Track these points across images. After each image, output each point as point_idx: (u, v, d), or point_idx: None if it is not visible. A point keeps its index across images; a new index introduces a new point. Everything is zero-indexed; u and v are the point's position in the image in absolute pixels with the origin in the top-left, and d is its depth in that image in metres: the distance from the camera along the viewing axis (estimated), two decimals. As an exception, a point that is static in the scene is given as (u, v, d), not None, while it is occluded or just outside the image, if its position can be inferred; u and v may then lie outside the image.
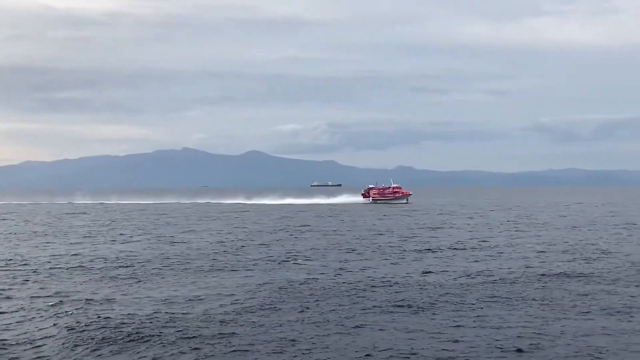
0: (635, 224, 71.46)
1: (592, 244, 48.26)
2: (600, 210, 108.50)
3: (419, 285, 29.65)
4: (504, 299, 26.01)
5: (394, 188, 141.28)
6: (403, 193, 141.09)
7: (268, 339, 19.49)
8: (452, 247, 46.32)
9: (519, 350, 18.38)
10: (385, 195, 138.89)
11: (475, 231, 62.09)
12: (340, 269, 35.17)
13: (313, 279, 31.51)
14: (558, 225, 70.12)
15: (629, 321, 22.13)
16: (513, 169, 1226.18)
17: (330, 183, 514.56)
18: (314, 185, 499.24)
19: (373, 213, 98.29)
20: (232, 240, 52.14)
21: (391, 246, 47.39)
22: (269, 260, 39.18)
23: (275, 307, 24.41)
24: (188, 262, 38.05)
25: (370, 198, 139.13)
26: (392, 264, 37.49)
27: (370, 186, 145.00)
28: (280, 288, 28.59)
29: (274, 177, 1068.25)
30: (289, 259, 39.45)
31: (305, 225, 70.67)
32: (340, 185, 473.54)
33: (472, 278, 31.71)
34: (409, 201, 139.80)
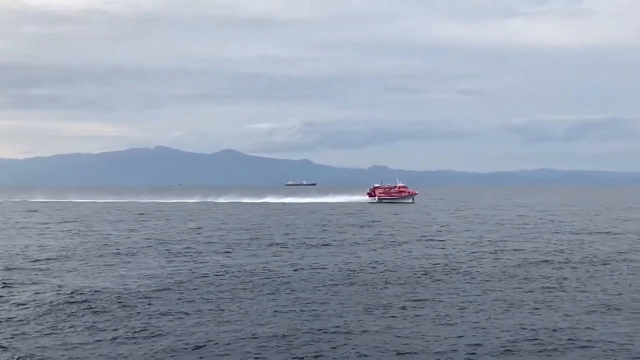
0: (563, 222, 75.30)
1: (502, 241, 51.91)
2: (538, 208, 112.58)
3: (296, 276, 32.86)
4: (350, 288, 29.38)
5: (399, 187, 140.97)
6: (409, 192, 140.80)
7: (130, 327, 22.01)
8: (358, 243, 49.69)
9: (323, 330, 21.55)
10: (391, 195, 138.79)
11: (397, 229, 65.45)
12: (232, 262, 38.27)
13: (214, 272, 34.55)
14: (486, 223, 73.60)
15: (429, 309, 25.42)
16: (487, 169, 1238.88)
17: (305, 182, 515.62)
18: (288, 185, 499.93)
19: (325, 211, 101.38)
20: (163, 237, 54.81)
21: (305, 242, 50.50)
22: (180, 254, 42.08)
23: (153, 297, 27.28)
24: (99, 256, 40.81)
25: (376, 197, 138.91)
26: (296, 258, 40.51)
27: (376, 185, 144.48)
28: (169, 280, 31.44)
29: (248, 176, 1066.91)
30: (200, 253, 42.40)
31: (243, 223, 73.63)
32: (314, 184, 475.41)
33: (339, 270, 35.14)
34: (414, 200, 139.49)
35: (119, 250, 44.05)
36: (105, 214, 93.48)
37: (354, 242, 50.40)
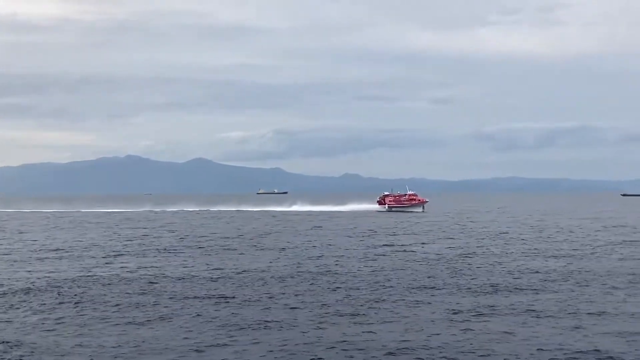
0: (472, 224, 79.96)
1: (407, 244, 56.22)
2: (465, 215, 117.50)
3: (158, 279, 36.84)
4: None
5: (410, 195, 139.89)
6: (419, 200, 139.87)
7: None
8: (262, 248, 53.75)
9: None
10: (401, 203, 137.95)
11: (309, 235, 69.61)
12: (129, 265, 42.05)
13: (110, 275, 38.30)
14: (413, 228, 77.95)
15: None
16: (458, 177, 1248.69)
17: (276, 190, 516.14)
18: (260, 193, 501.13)
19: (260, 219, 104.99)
20: (78, 244, 58.33)
21: (200, 247, 54.50)
22: (93, 258, 46.03)
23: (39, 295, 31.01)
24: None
25: (386, 205, 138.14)
26: (181, 261, 44.36)
27: (386, 193, 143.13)
28: (73, 282, 35.24)
29: (219, 185, 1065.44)
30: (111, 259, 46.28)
31: (170, 230, 77.19)
32: (286, 192, 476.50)
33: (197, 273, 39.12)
34: (425, 209, 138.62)
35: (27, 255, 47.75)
36: (46, 223, 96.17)
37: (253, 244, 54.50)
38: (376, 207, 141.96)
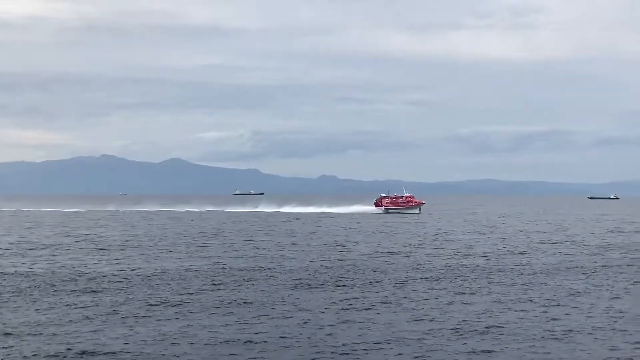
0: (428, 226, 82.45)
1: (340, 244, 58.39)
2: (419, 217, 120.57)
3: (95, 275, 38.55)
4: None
5: (406, 197, 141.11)
6: (416, 202, 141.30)
7: None
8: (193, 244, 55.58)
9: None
10: (398, 205, 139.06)
11: (258, 236, 71.68)
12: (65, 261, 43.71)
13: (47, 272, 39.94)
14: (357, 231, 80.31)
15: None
16: (433, 179, 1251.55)
17: (253, 191, 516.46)
18: (236, 194, 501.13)
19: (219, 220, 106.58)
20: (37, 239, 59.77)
21: (148, 246, 56.22)
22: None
23: None
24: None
25: (383, 207, 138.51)
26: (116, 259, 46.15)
27: (383, 195, 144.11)
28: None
29: (195, 185, 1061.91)
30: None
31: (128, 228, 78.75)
32: (262, 193, 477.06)
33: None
34: (421, 210, 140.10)
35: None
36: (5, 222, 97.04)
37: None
38: (373, 209, 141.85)
